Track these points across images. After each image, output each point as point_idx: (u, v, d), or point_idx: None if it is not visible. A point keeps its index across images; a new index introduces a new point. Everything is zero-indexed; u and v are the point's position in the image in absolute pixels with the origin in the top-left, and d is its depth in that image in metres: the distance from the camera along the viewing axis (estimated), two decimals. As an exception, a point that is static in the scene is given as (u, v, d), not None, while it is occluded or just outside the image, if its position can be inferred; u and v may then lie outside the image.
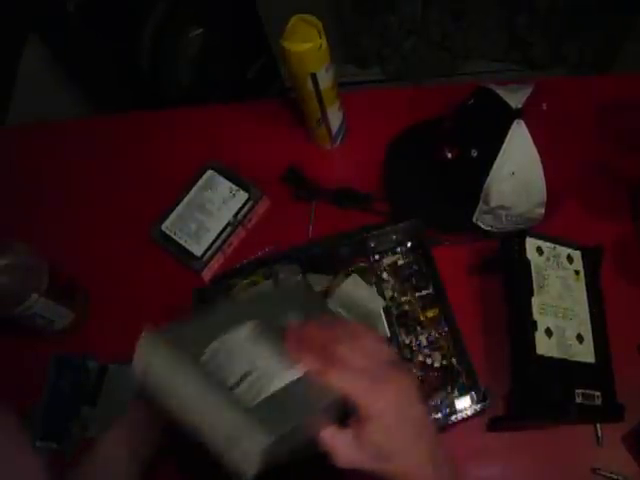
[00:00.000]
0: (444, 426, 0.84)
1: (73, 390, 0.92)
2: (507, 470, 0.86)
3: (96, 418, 0.91)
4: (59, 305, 0.92)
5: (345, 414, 0.62)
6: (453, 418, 0.83)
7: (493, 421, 0.85)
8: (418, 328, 0.90)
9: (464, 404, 0.84)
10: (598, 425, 0.85)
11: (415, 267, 0.94)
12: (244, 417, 0.54)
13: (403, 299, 0.92)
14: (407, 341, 0.89)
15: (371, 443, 0.60)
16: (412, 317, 0.91)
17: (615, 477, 0.82)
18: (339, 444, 0.62)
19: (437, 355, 0.88)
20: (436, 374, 0.87)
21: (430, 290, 0.92)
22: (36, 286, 0.87)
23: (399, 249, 0.95)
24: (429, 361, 0.88)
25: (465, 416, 0.83)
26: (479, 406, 0.83)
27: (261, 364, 0.59)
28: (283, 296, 0.77)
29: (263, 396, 0.57)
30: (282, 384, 0.59)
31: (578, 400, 0.80)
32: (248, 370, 0.58)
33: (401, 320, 0.91)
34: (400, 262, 0.95)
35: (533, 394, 0.80)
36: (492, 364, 0.87)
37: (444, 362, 0.87)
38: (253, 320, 0.63)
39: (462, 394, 0.85)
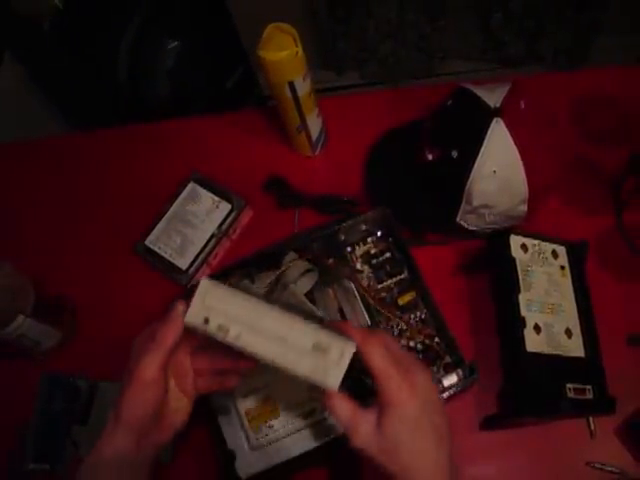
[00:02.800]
0: None
1: (64, 410, 0.91)
2: (501, 467, 0.86)
3: (88, 437, 0.91)
4: (46, 325, 0.92)
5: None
6: (444, 396, 0.83)
7: (486, 420, 0.85)
8: (397, 313, 0.91)
9: (452, 381, 0.84)
10: (591, 419, 0.85)
11: (388, 254, 0.95)
12: (327, 331, 0.64)
13: (379, 286, 0.93)
14: (388, 327, 0.90)
15: (390, 433, 0.61)
16: (390, 303, 0.92)
17: (609, 469, 0.83)
18: (360, 422, 0.63)
19: (419, 337, 0.88)
20: (421, 356, 0.88)
21: (405, 274, 0.93)
22: (22, 307, 0.87)
23: (370, 239, 0.96)
24: (412, 344, 0.89)
25: (455, 392, 0.83)
26: (467, 381, 0.84)
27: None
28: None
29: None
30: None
31: (570, 395, 0.80)
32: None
33: (380, 307, 0.91)
34: (372, 251, 0.96)
35: (525, 391, 0.80)
36: (482, 363, 0.87)
37: (427, 343, 0.88)
38: None
39: (449, 372, 0.85)
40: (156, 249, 1.01)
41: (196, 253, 0.99)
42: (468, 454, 0.86)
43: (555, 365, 0.82)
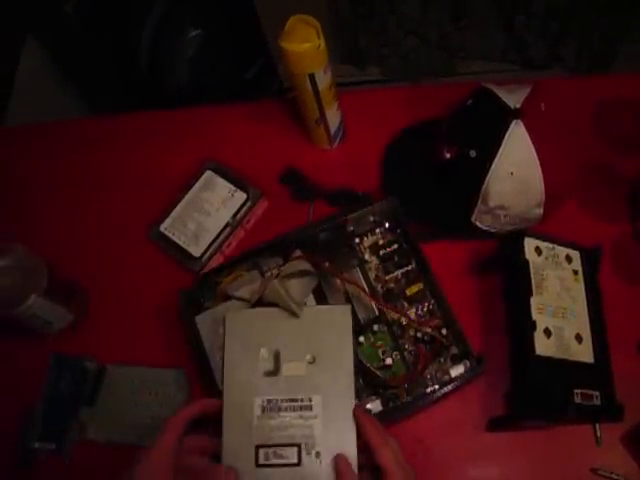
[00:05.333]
0: (442, 397, 0.84)
1: (72, 391, 0.92)
2: (506, 471, 0.85)
3: (95, 419, 0.91)
4: (58, 306, 0.92)
5: None
6: (450, 387, 0.83)
7: (492, 422, 0.85)
8: (405, 304, 0.92)
9: (459, 371, 0.85)
10: (597, 425, 0.85)
11: (395, 245, 0.95)
12: None
13: (387, 277, 0.94)
14: (395, 317, 0.90)
15: None
16: (398, 294, 0.92)
17: (615, 477, 0.82)
18: None
19: (426, 328, 0.88)
20: (428, 346, 0.88)
21: (412, 265, 0.94)
22: (35, 287, 0.87)
23: (378, 230, 0.97)
24: (419, 334, 0.89)
25: (462, 383, 0.84)
26: (474, 372, 0.84)
27: None
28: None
29: None
30: None
31: (577, 400, 0.80)
32: None
33: (387, 298, 0.92)
34: (380, 242, 0.96)
35: (532, 394, 0.80)
36: (491, 363, 0.86)
37: (434, 334, 0.88)
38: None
39: (456, 363, 0.86)
40: (170, 235, 1.01)
41: (210, 241, 0.99)
42: (472, 455, 0.86)
43: (564, 370, 0.82)
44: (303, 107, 1.00)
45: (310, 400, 0.73)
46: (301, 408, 0.73)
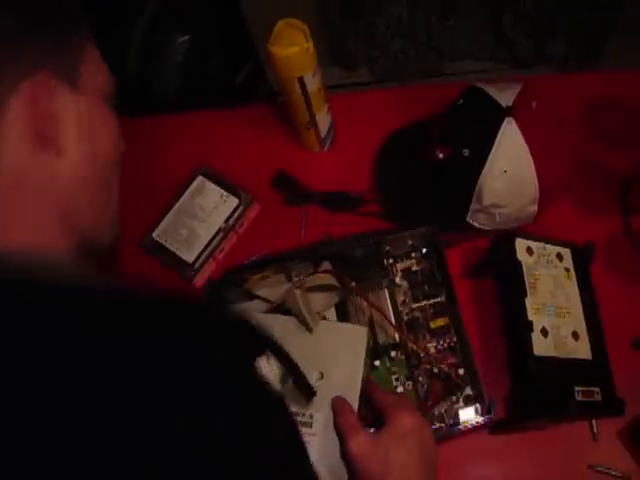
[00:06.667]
0: (447, 436, 0.83)
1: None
2: (503, 468, 0.86)
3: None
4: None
5: None
6: (456, 429, 0.82)
7: (496, 425, 0.84)
8: (427, 335, 0.89)
9: (468, 415, 0.83)
10: (594, 421, 0.85)
11: (428, 274, 0.93)
12: None
13: (414, 305, 0.91)
14: (415, 348, 0.87)
15: (384, 444, 0.68)
16: (422, 324, 0.90)
17: (611, 472, 0.82)
18: (359, 433, 0.69)
19: (444, 364, 0.86)
20: (442, 383, 0.86)
21: (442, 298, 0.91)
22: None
23: (414, 254, 0.94)
24: (435, 370, 0.87)
25: (469, 427, 0.83)
26: (483, 418, 0.83)
27: None
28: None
29: None
30: None
31: (578, 397, 0.80)
32: None
33: (410, 326, 0.90)
34: (414, 268, 0.93)
35: (533, 395, 0.80)
36: (490, 366, 0.86)
37: (451, 372, 0.86)
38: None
39: (467, 405, 0.84)
40: (163, 242, 1.00)
41: (203, 247, 0.99)
42: (471, 453, 0.86)
43: (563, 368, 0.82)
44: (293, 111, 1.00)
45: (311, 417, 0.73)
46: (301, 423, 0.72)
